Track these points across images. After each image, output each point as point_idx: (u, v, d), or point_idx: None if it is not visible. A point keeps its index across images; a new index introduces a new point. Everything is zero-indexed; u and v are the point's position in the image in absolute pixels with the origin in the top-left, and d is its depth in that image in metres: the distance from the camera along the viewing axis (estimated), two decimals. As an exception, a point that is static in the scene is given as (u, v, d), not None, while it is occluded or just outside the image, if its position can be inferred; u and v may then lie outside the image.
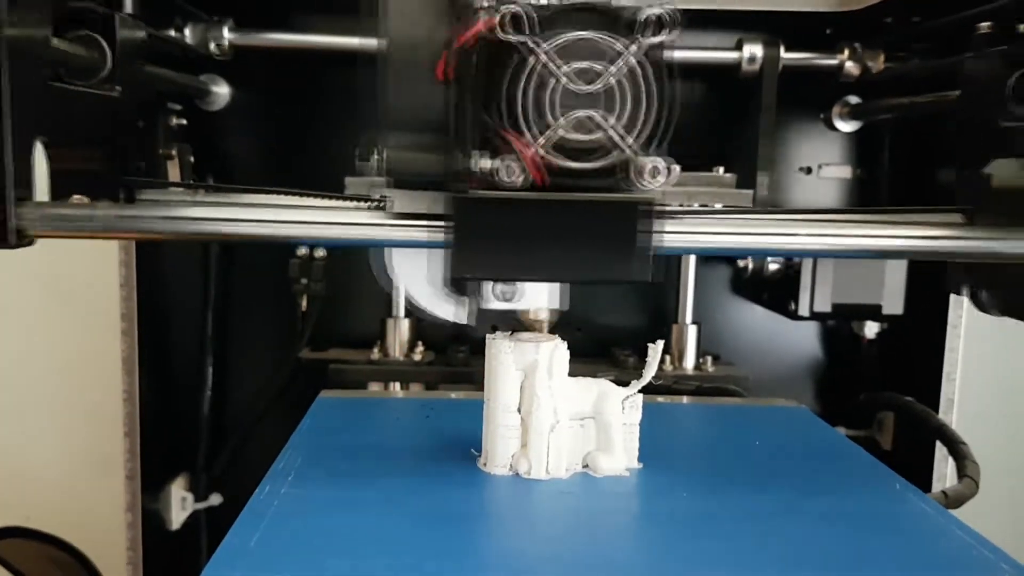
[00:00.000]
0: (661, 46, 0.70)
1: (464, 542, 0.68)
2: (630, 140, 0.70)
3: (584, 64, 0.69)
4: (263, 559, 0.63)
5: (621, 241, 0.72)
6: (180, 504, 1.39)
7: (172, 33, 1.24)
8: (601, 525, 0.73)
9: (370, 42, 1.26)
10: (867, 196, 1.42)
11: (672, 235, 0.79)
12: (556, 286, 0.81)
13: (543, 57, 0.68)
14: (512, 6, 0.67)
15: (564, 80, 0.69)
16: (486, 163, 0.70)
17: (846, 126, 1.40)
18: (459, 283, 0.84)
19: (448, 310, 0.85)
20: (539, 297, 0.82)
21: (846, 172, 1.41)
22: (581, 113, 0.70)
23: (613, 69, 0.69)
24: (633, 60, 0.69)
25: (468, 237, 0.72)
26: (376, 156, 1.22)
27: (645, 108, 0.71)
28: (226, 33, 1.27)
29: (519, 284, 0.83)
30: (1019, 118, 0.84)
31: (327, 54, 1.32)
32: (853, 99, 1.38)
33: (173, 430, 1.41)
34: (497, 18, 0.67)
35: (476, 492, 0.78)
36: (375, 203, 0.79)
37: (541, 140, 0.69)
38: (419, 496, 0.75)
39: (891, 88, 1.30)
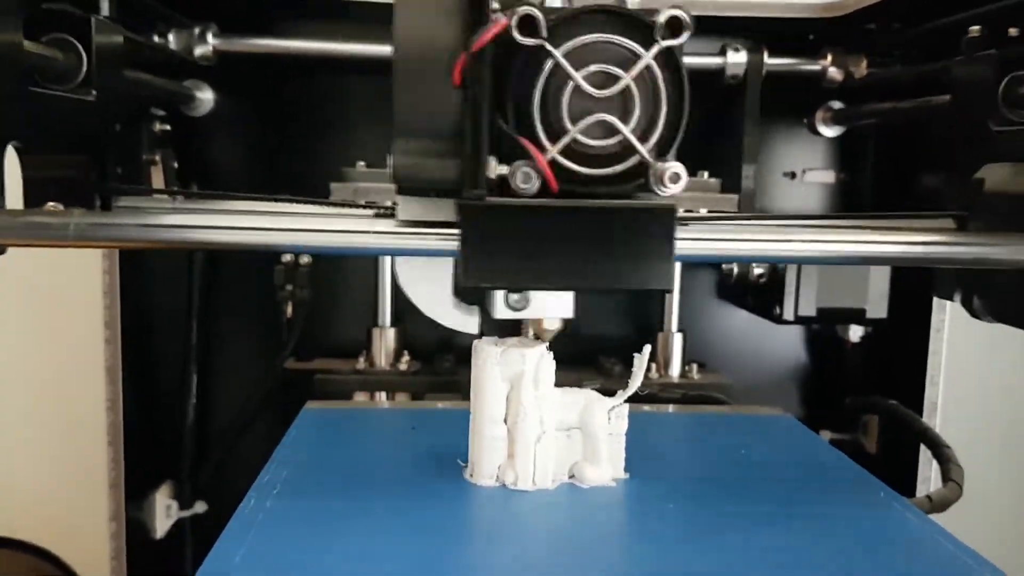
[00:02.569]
0: (677, 49, 0.69)
1: (451, 554, 0.68)
2: (648, 145, 0.69)
3: (599, 67, 0.68)
4: (248, 574, 0.63)
5: (644, 248, 0.70)
6: (165, 512, 1.39)
7: (156, 39, 1.24)
8: (587, 536, 0.73)
9: (362, 48, 1.27)
10: (850, 200, 1.42)
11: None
12: (567, 295, 0.80)
13: (559, 60, 0.67)
14: (525, 8, 0.65)
15: (580, 83, 0.67)
16: (501, 169, 0.68)
17: (829, 131, 1.41)
18: (467, 292, 0.83)
19: (457, 319, 0.84)
20: (549, 306, 0.80)
21: (829, 177, 1.42)
22: (597, 117, 0.68)
23: (632, 73, 0.67)
24: (651, 63, 0.68)
25: (478, 245, 0.70)
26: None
27: (663, 112, 0.69)
28: (210, 39, 1.26)
29: (529, 293, 0.82)
30: (1010, 122, 0.84)
31: (312, 60, 1.32)
32: (836, 104, 1.39)
33: (157, 438, 1.40)
34: (511, 20, 0.66)
35: (462, 504, 0.78)
36: (382, 211, 0.78)
37: (557, 146, 0.68)
38: (405, 508, 0.75)
39: (874, 93, 1.31)
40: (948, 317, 1.31)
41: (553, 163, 0.68)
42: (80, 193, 0.87)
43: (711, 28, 1.29)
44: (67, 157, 0.87)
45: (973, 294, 0.91)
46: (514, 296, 0.78)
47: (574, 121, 0.68)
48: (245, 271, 1.40)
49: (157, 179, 1.25)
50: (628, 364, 0.83)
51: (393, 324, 1.35)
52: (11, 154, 0.76)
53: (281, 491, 0.77)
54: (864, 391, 1.40)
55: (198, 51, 1.27)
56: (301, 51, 1.30)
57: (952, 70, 0.93)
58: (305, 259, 1.34)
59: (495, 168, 0.68)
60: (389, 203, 0.78)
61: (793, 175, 1.42)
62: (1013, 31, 0.88)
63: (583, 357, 1.38)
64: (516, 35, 0.66)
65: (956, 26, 0.98)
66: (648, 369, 0.82)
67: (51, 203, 0.77)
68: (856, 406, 1.41)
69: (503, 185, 0.69)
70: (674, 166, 0.68)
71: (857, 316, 1.29)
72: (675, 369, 1.36)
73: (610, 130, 0.69)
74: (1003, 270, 0.82)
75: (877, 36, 1.28)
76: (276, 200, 0.86)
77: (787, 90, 1.33)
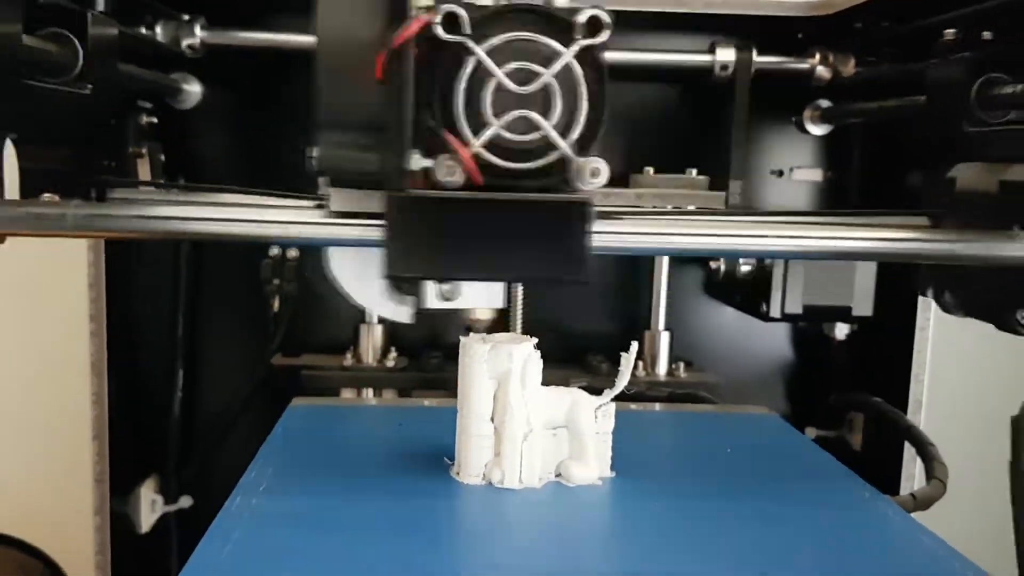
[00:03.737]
0: (598, 47, 0.70)
1: (437, 554, 0.68)
2: (569, 140, 0.70)
3: (521, 64, 0.69)
4: (234, 573, 0.63)
5: (559, 241, 0.72)
6: (150, 507, 1.38)
7: (143, 31, 1.23)
8: (574, 535, 0.74)
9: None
10: (838, 199, 1.43)
11: (645, 236, 0.79)
12: (496, 285, 0.81)
13: (481, 57, 0.68)
14: (449, 5, 0.67)
15: (502, 80, 0.68)
16: (424, 162, 0.69)
17: (817, 129, 1.41)
18: (399, 282, 0.84)
19: (389, 309, 0.84)
20: (479, 297, 0.82)
21: (817, 175, 1.43)
22: (517, 113, 0.69)
23: (551, 70, 0.69)
24: (571, 61, 0.69)
25: (403, 236, 0.72)
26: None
27: (584, 109, 0.70)
28: (198, 31, 1.26)
29: (458, 284, 0.83)
30: (982, 123, 0.85)
31: (300, 53, 1.31)
32: (824, 103, 1.39)
33: (142, 432, 1.39)
34: (435, 18, 0.67)
35: (449, 502, 0.78)
36: (317, 202, 0.79)
37: (479, 140, 0.69)
38: (391, 507, 0.75)
39: (861, 92, 1.31)
40: (933, 315, 1.32)
41: (477, 157, 0.70)
42: (74, 185, 0.87)
43: (700, 26, 1.29)
44: (62, 149, 0.88)
45: (945, 289, 0.92)
46: (444, 286, 0.79)
47: (497, 116, 0.70)
48: (232, 265, 1.40)
49: (143, 172, 1.24)
50: (615, 362, 0.83)
51: (380, 320, 1.35)
52: (8, 146, 0.76)
53: (267, 489, 0.77)
54: (850, 388, 1.40)
55: (186, 43, 1.26)
56: (289, 44, 1.30)
57: (927, 71, 0.94)
58: (292, 253, 1.33)
59: (418, 161, 0.70)
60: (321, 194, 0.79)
61: (781, 173, 1.42)
62: (987, 34, 0.89)
63: (570, 355, 1.38)
64: (440, 32, 0.67)
65: (941, 26, 0.98)
66: (635, 367, 0.82)
67: (47, 194, 0.78)
68: (841, 403, 1.42)
69: (428, 178, 0.70)
70: (594, 161, 0.70)
71: (843, 314, 1.29)
72: (662, 367, 1.36)
73: (532, 125, 0.70)
74: (973, 266, 0.84)
75: (865, 35, 1.28)
76: (215, 191, 0.86)
77: (775, 88, 1.33)
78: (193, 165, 1.36)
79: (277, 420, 0.97)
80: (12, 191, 0.75)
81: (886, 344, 1.38)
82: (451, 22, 0.67)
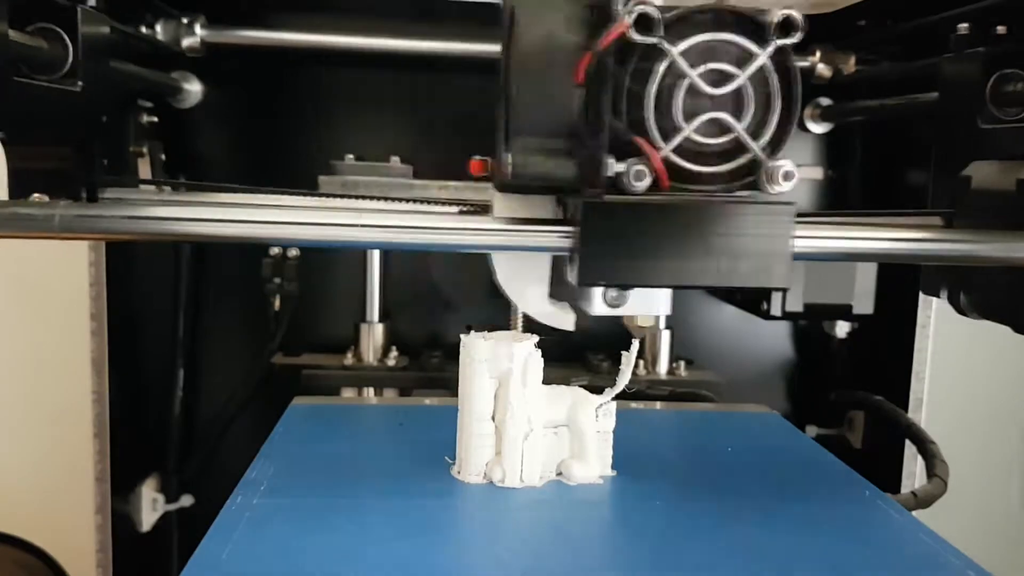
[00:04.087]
0: (789, 48, 0.68)
1: (438, 553, 0.68)
2: (761, 143, 0.69)
3: (714, 66, 0.67)
4: (235, 573, 0.63)
5: (761, 246, 0.70)
6: (151, 506, 1.39)
7: (143, 29, 1.23)
8: (575, 534, 0.73)
9: (351, 40, 1.27)
10: (838, 197, 1.43)
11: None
12: (664, 292, 0.80)
13: (676, 58, 0.67)
14: (642, 6, 0.65)
15: (696, 82, 0.67)
16: (618, 167, 0.68)
17: (818, 128, 1.41)
18: (562, 290, 0.83)
19: (553, 315, 0.83)
20: (646, 303, 0.80)
21: (818, 173, 1.42)
22: (711, 115, 0.68)
23: (746, 71, 0.67)
24: (766, 62, 0.68)
25: (597, 242, 0.70)
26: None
27: (776, 111, 0.69)
28: (198, 30, 1.26)
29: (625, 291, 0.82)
30: (997, 120, 0.84)
31: (301, 52, 1.31)
32: (825, 101, 1.39)
33: (143, 431, 1.40)
34: (628, 19, 0.65)
35: (450, 502, 0.78)
36: (469, 208, 0.78)
37: (671, 143, 0.68)
38: (392, 507, 0.75)
39: (862, 90, 1.31)
40: (934, 313, 1.32)
41: (666, 161, 0.68)
42: (66, 185, 0.86)
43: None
44: (53, 148, 0.87)
45: (960, 291, 0.91)
46: (612, 293, 0.77)
47: (687, 119, 0.68)
48: (232, 264, 1.40)
49: (144, 171, 1.24)
50: (616, 361, 0.83)
51: (381, 319, 1.35)
52: (-5, 146, 0.75)
53: (268, 488, 0.77)
54: (850, 386, 1.40)
55: (186, 42, 1.26)
56: (290, 43, 1.30)
57: (940, 67, 0.94)
58: (293, 252, 1.33)
59: (613, 166, 0.68)
60: (476, 201, 0.77)
61: (782, 171, 1.42)
62: (1001, 29, 0.88)
63: (571, 354, 1.38)
64: (633, 33, 0.66)
65: (944, 23, 0.98)
66: (635, 366, 0.82)
67: (36, 194, 0.77)
68: (842, 401, 1.42)
69: (613, 183, 0.68)
70: (786, 164, 0.68)
71: (844, 312, 1.29)
72: (663, 366, 1.36)
73: (722, 128, 0.69)
74: (989, 267, 0.83)
75: (866, 33, 1.28)
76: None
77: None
78: (194, 164, 1.36)
79: (278, 419, 0.97)
80: None
81: (887, 342, 1.38)
82: (644, 24, 0.66)
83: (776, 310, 1.28)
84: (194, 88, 1.34)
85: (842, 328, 1.41)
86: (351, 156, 1.26)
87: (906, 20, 1.18)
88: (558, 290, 0.82)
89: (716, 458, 0.92)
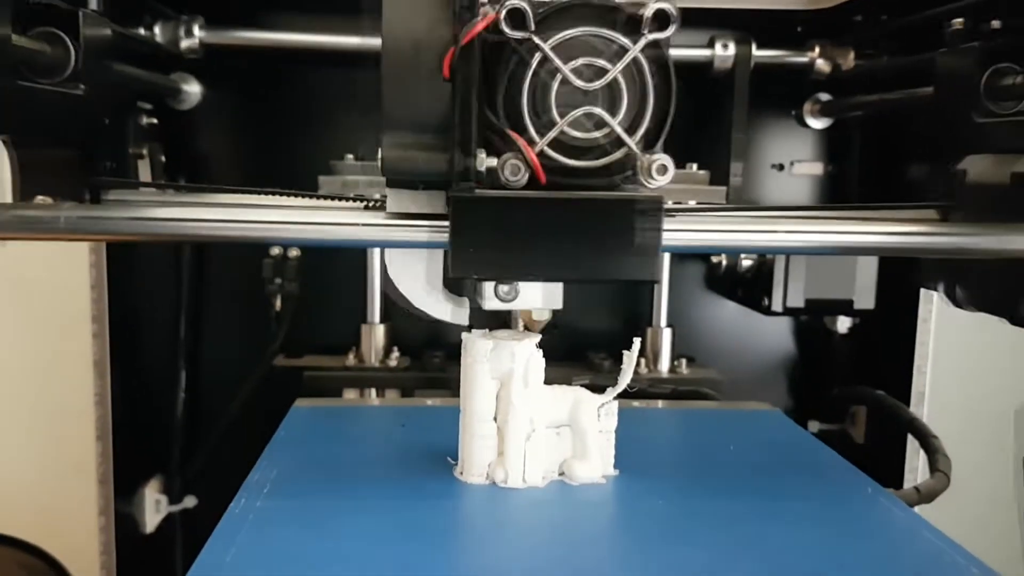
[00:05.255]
0: (664, 42, 0.69)
1: (441, 554, 0.68)
2: (635, 137, 0.69)
3: (587, 60, 0.68)
4: (239, 575, 0.63)
5: (632, 240, 0.71)
6: (154, 507, 1.39)
7: (142, 31, 1.23)
8: (578, 533, 0.74)
9: (349, 41, 1.27)
10: (838, 192, 1.43)
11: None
12: (556, 286, 0.81)
13: (547, 52, 0.67)
14: (513, 1, 0.66)
15: (568, 76, 0.67)
16: (490, 161, 0.69)
17: (817, 123, 1.41)
18: (456, 283, 0.83)
19: (446, 311, 0.83)
20: (538, 297, 0.81)
21: (817, 168, 1.43)
22: (585, 110, 0.68)
23: (619, 65, 0.68)
24: (638, 55, 0.68)
25: (468, 236, 0.71)
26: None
27: (650, 105, 0.69)
28: (197, 32, 1.26)
29: (519, 284, 0.82)
30: (992, 114, 0.85)
31: (299, 52, 1.31)
32: (824, 96, 1.39)
33: (146, 432, 1.40)
34: (499, 14, 0.66)
35: (453, 502, 0.78)
36: (372, 203, 0.79)
37: (545, 138, 0.68)
38: (395, 507, 0.75)
39: (861, 85, 1.31)
40: (935, 308, 1.32)
41: (541, 155, 0.69)
42: (69, 187, 0.86)
43: (699, 20, 1.29)
44: (56, 151, 0.87)
45: (956, 284, 0.91)
46: (503, 287, 0.78)
47: (562, 114, 0.69)
48: (233, 265, 1.40)
49: (144, 173, 1.24)
50: (617, 359, 0.83)
51: (382, 320, 1.35)
52: (0, 148, 0.75)
53: (271, 490, 0.77)
54: (852, 381, 1.40)
55: (185, 44, 1.26)
56: (288, 44, 1.30)
57: (935, 62, 0.94)
58: (294, 252, 1.33)
59: (484, 161, 0.69)
60: (378, 196, 0.78)
61: (781, 167, 1.42)
62: (996, 23, 0.88)
63: (572, 353, 1.38)
64: (505, 28, 0.66)
65: (942, 18, 0.98)
66: (637, 364, 0.82)
67: (41, 196, 0.77)
68: (844, 397, 1.42)
69: (491, 178, 0.69)
70: (661, 158, 0.69)
71: (845, 307, 1.29)
72: (664, 364, 1.36)
73: (598, 122, 0.69)
74: (985, 260, 0.83)
75: (864, 28, 1.28)
76: (265, 193, 0.86)
77: (775, 82, 1.33)
78: (194, 165, 1.36)
79: (280, 421, 0.98)
80: (4, 194, 0.75)
81: (888, 337, 1.38)
82: (516, 18, 0.66)
83: (777, 306, 1.28)
84: (193, 90, 1.34)
85: (843, 323, 1.41)
86: (351, 156, 1.26)
87: (902, 15, 1.18)
88: (457, 285, 0.83)
89: (718, 456, 0.92)
